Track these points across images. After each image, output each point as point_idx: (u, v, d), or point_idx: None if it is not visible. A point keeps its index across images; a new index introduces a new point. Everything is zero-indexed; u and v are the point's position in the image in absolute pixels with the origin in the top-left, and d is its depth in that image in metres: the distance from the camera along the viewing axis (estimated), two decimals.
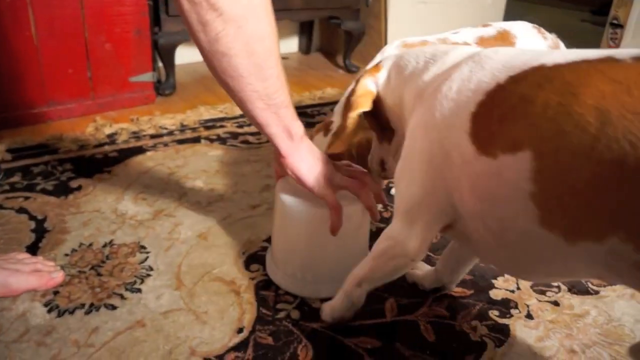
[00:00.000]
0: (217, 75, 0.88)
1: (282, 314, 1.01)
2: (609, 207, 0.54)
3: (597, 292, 1.11)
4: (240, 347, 0.93)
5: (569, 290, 1.11)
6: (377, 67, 0.93)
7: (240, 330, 0.97)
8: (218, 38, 0.81)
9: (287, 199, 1.03)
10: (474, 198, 0.68)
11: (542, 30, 1.45)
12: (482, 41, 1.38)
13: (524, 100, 0.60)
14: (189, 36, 0.86)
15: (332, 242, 1.03)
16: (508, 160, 0.61)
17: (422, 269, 1.11)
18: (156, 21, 2.01)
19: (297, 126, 0.97)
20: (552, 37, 1.44)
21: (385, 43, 2.53)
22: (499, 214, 0.65)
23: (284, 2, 2.25)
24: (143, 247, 1.20)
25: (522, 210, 0.61)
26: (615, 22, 2.85)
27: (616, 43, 2.83)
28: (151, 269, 1.13)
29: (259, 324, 0.99)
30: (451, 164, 0.70)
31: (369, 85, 0.92)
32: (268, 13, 0.85)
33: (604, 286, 1.12)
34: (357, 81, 0.95)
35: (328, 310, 0.97)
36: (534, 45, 1.39)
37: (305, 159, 0.98)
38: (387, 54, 1.30)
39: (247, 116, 0.94)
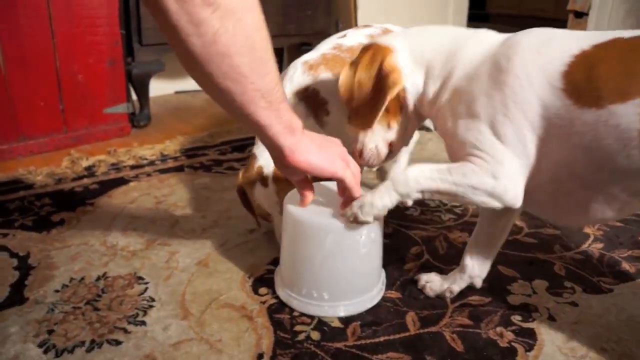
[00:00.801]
0: (214, 82, 0.77)
1: (301, 336, 0.96)
2: None
3: (611, 291, 1.10)
4: None
5: (584, 290, 1.10)
6: (388, 49, 0.98)
7: (260, 357, 0.91)
8: (216, 38, 0.72)
9: (299, 214, 0.99)
10: (567, 146, 0.78)
11: None
12: (373, 38, 1.35)
13: (622, 60, 0.73)
14: (173, 47, 0.74)
15: (348, 257, 0.99)
16: (617, 108, 0.72)
17: (437, 279, 1.08)
18: (129, 51, 1.97)
19: (296, 119, 0.90)
20: None
21: None
22: (596, 156, 0.76)
23: None
24: (140, 277, 1.13)
25: (625, 149, 0.73)
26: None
27: None
28: (153, 299, 1.06)
29: (279, 348, 0.93)
30: (538, 115, 0.79)
31: (399, 65, 0.97)
32: None
33: (616, 284, 1.12)
34: (367, 50, 1.00)
35: (368, 208, 0.93)
36: None
37: (313, 148, 0.92)
38: (296, 79, 1.24)
39: (246, 121, 0.85)
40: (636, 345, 0.95)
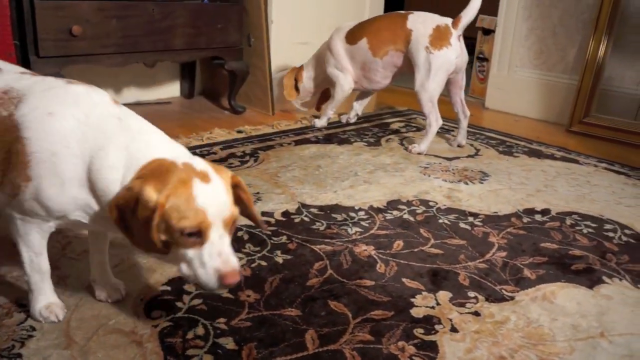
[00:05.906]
0: None
1: None
2: None
3: (512, 298, 1.11)
4: None
5: (487, 299, 1.11)
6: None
7: None
8: None
9: None
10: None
11: None
12: None
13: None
14: None
15: None
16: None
17: None
18: (25, 64, 1.84)
19: None
20: None
21: (270, 83, 2.52)
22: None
23: (166, 43, 2.17)
24: (22, 305, 1.03)
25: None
26: (481, 56, 3.09)
27: (484, 75, 3.07)
28: (33, 329, 0.96)
29: None
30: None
31: None
32: None
33: (517, 292, 1.14)
34: None
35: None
36: None
37: None
38: None
39: None
40: (532, 350, 0.95)
